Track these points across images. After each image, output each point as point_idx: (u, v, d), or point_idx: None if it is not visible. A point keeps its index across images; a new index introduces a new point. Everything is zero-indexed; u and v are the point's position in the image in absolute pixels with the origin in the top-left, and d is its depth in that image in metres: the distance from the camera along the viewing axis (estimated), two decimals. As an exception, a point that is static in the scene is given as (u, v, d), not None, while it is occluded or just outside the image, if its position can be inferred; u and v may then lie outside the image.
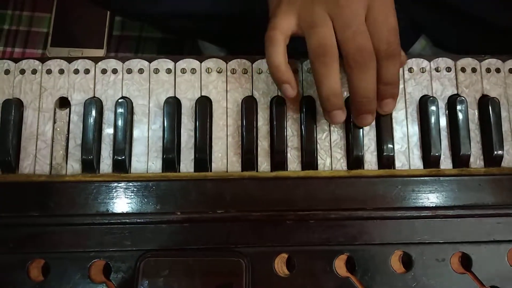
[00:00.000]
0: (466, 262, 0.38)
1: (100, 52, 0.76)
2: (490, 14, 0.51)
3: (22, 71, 0.41)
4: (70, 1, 0.79)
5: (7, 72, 0.41)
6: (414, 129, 0.41)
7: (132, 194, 0.38)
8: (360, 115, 0.38)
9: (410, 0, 0.59)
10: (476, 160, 0.41)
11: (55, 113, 0.41)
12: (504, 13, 0.50)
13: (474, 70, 0.42)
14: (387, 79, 0.37)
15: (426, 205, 0.38)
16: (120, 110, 0.40)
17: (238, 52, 0.40)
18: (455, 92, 0.42)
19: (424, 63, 0.42)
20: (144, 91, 0.41)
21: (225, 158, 0.40)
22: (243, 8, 0.54)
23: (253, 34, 0.60)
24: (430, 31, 0.64)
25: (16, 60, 0.42)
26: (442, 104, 0.41)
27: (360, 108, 0.38)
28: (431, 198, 0.39)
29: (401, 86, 0.42)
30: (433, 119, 0.40)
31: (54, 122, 0.41)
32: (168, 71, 0.42)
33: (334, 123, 0.40)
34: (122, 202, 0.38)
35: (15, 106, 0.40)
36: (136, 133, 0.41)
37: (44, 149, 0.40)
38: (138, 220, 0.37)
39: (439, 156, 0.40)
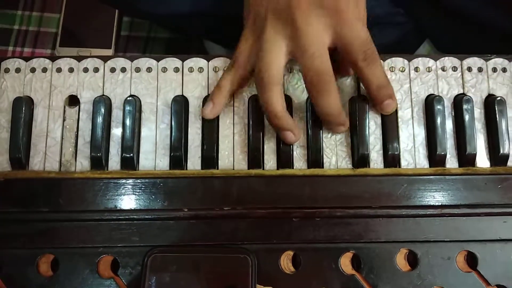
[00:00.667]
0: (471, 260, 0.38)
1: (108, 52, 0.77)
2: (494, 19, 0.51)
3: (33, 70, 0.42)
4: (79, 1, 0.80)
5: (17, 70, 0.42)
6: (420, 128, 0.41)
7: (140, 191, 0.38)
8: (332, 129, 0.40)
9: (414, 4, 0.59)
10: (482, 160, 0.41)
11: (64, 111, 0.41)
12: (509, 18, 0.50)
13: (480, 69, 0.42)
14: (376, 82, 0.38)
15: (432, 203, 0.38)
16: (128, 108, 0.40)
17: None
18: (461, 92, 0.42)
19: (430, 62, 0.42)
20: (152, 89, 0.42)
21: (231, 156, 0.41)
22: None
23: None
24: (434, 35, 0.64)
25: (26, 59, 0.42)
26: (448, 103, 0.41)
27: (329, 123, 0.39)
28: (436, 196, 0.39)
29: (407, 85, 0.42)
30: (439, 118, 0.40)
31: (64, 119, 0.41)
32: (176, 70, 0.42)
33: (287, 141, 0.39)
34: (130, 199, 0.38)
35: (26, 104, 0.41)
36: (144, 131, 0.41)
37: (53, 146, 0.41)
38: (146, 217, 0.38)
39: (445, 155, 0.40)
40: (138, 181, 0.39)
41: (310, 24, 0.36)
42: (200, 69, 0.42)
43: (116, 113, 0.41)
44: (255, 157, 0.40)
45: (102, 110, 0.40)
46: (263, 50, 0.37)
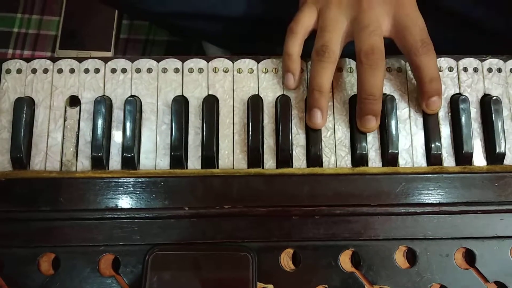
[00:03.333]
0: (470, 257, 0.38)
1: (108, 55, 0.78)
2: (488, 20, 0.51)
3: (34, 70, 0.42)
4: (78, 4, 0.80)
5: (19, 71, 0.42)
6: (417, 128, 0.42)
7: (141, 190, 0.39)
8: (364, 116, 0.39)
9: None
10: (479, 158, 0.41)
11: (65, 111, 0.42)
12: (502, 18, 0.50)
13: (476, 70, 0.43)
14: (430, 74, 0.39)
15: (430, 201, 0.39)
16: (129, 108, 0.41)
17: (241, 54, 0.42)
18: (457, 92, 0.43)
19: (427, 63, 0.43)
20: (153, 89, 0.42)
21: (231, 155, 0.41)
22: (247, 10, 0.55)
23: (256, 36, 0.61)
24: (430, 37, 0.64)
25: (28, 60, 0.43)
26: (444, 103, 0.42)
27: (364, 107, 0.39)
28: (434, 194, 0.39)
29: (404, 85, 0.42)
30: (436, 118, 0.41)
31: (65, 120, 0.42)
32: (176, 70, 0.43)
33: (311, 123, 0.40)
34: (131, 198, 0.39)
35: (27, 104, 0.41)
36: (144, 131, 0.41)
37: (54, 146, 0.41)
38: (147, 215, 0.38)
39: (442, 154, 0.41)
40: (139, 180, 0.39)
41: (373, 8, 0.39)
42: (200, 70, 0.43)
43: (117, 113, 0.42)
44: (254, 157, 0.40)
45: (103, 110, 0.41)
46: (327, 30, 0.39)
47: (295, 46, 0.40)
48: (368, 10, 0.39)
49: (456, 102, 0.42)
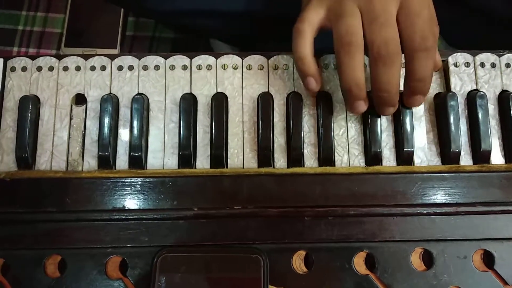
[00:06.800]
0: (488, 259, 0.37)
1: (114, 52, 0.77)
2: (507, 13, 0.50)
3: (39, 68, 0.42)
4: (84, 2, 0.80)
5: (24, 69, 0.42)
6: (433, 125, 0.40)
7: (149, 190, 0.38)
8: (381, 107, 0.38)
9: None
10: (496, 156, 0.40)
11: (71, 109, 0.41)
12: None
13: (493, 65, 0.42)
14: (419, 74, 0.36)
15: (447, 201, 0.38)
16: (136, 106, 0.40)
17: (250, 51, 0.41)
18: (474, 88, 0.41)
19: (443, 58, 0.42)
20: (160, 87, 0.41)
21: (241, 154, 0.40)
22: (254, 7, 0.54)
23: (265, 34, 0.60)
24: (446, 30, 0.63)
25: (33, 58, 0.42)
26: (461, 100, 0.41)
27: (381, 102, 0.38)
28: (451, 194, 0.38)
29: (419, 81, 0.41)
30: (452, 115, 0.39)
31: (71, 118, 0.41)
32: (184, 67, 0.42)
33: (355, 113, 0.39)
34: (138, 198, 0.38)
35: (32, 102, 0.40)
36: (152, 129, 0.40)
37: (60, 146, 0.40)
38: (155, 216, 0.37)
39: (459, 152, 0.39)
40: (147, 180, 0.38)
41: None
42: (209, 67, 0.42)
43: (124, 112, 0.41)
44: (265, 156, 0.39)
45: (110, 108, 0.40)
46: (346, 15, 0.36)
47: (305, 47, 0.37)
48: None
49: (473, 98, 0.40)
